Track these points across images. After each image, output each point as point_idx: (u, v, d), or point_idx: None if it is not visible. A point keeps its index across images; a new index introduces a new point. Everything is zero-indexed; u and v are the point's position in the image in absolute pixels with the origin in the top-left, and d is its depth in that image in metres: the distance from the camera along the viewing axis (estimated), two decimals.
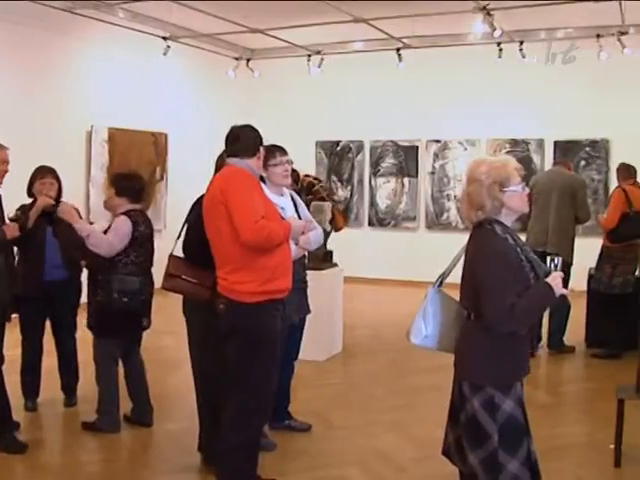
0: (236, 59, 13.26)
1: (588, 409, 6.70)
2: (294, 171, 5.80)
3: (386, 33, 11.51)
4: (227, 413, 4.34)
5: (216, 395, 4.61)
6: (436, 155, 13.34)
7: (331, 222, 7.15)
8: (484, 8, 9.67)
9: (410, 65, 12.04)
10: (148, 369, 5.91)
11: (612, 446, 5.09)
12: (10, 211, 5.56)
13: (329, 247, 7.90)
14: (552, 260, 3.37)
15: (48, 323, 6.15)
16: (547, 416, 6.15)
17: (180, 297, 4.93)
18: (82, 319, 5.79)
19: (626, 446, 5.09)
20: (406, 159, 13.53)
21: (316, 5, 9.72)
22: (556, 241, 7.83)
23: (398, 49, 12.00)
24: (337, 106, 13.67)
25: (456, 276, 3.52)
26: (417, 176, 13.48)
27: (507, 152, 12.19)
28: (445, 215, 13.30)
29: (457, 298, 3.53)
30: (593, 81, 11.83)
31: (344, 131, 13.82)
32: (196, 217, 4.61)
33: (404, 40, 11.94)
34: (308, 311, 5.67)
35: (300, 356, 5.90)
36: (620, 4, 9.53)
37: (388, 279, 13.12)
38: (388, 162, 13.70)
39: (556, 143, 12.37)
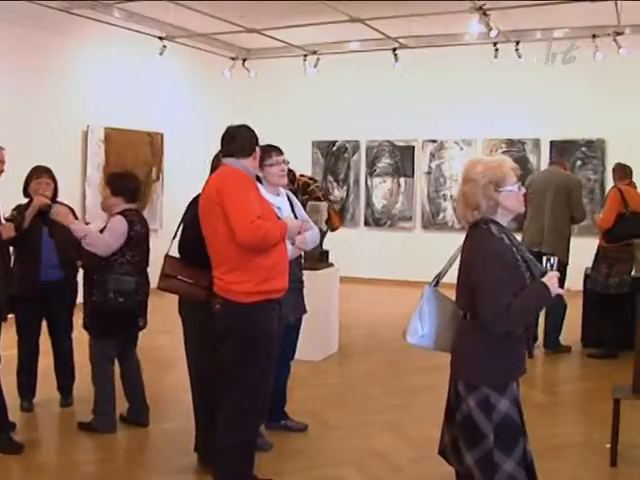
0: (232, 59, 13.26)
1: (584, 409, 6.71)
2: (290, 171, 5.79)
3: (382, 33, 11.52)
4: (223, 413, 4.34)
5: (212, 395, 4.61)
6: (432, 155, 13.35)
7: (327, 222, 7.15)
8: (480, 8, 9.67)
9: (406, 65, 12.04)
10: (144, 369, 5.91)
11: (608, 446, 5.10)
12: (6, 211, 5.56)
13: (325, 247, 7.90)
14: (548, 260, 3.37)
15: (44, 323, 6.14)
16: (543, 416, 6.16)
17: (176, 297, 4.93)
18: (78, 319, 5.78)
19: (622, 446, 5.10)
20: (402, 159, 13.54)
21: (312, 5, 9.72)
22: (551, 241, 7.84)
23: (394, 49, 12.01)
24: (333, 106, 13.67)
25: (452, 276, 3.52)
26: (413, 176, 13.49)
27: (503, 152, 12.23)
28: (441, 215, 13.31)
29: (453, 298, 3.53)
30: (589, 81, 11.84)
31: (340, 131, 13.82)
32: (192, 217, 4.61)
33: (400, 40, 11.95)
34: (304, 311, 5.67)
35: (296, 356, 5.91)
36: (616, 4, 9.54)
37: (384, 279, 13.12)
38: (384, 162, 13.71)
39: (552, 143, 12.39)
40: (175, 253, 4.80)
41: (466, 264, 3.36)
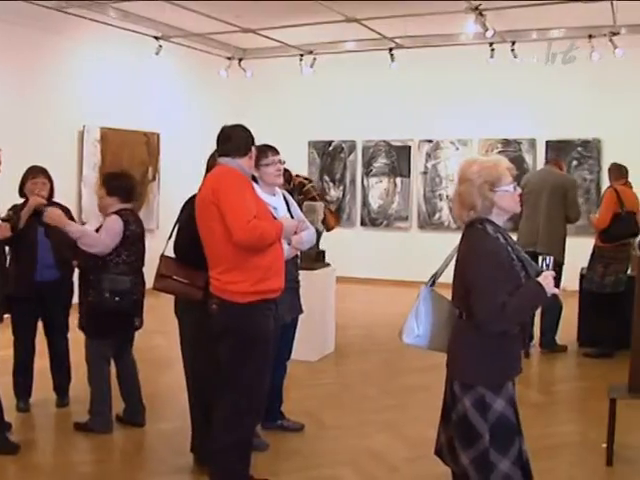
0: (228, 59, 13.25)
1: (580, 408, 6.72)
2: (286, 171, 5.80)
3: (378, 33, 11.52)
4: (219, 413, 4.34)
5: (208, 395, 4.61)
6: (428, 155, 13.35)
7: (323, 222, 7.16)
8: (476, 8, 9.68)
9: (402, 65, 12.05)
10: (140, 369, 5.90)
11: (604, 445, 5.11)
12: (2, 211, 5.55)
13: (321, 247, 7.90)
14: (544, 259, 3.37)
15: (40, 323, 6.14)
16: (539, 415, 6.17)
17: (172, 297, 4.93)
18: (74, 319, 5.77)
19: (618, 445, 5.10)
20: (398, 159, 13.55)
21: (308, 5, 9.72)
22: (546, 241, 7.84)
23: (390, 49, 12.01)
24: (329, 106, 13.68)
25: (448, 276, 3.52)
26: (409, 176, 13.49)
27: (499, 152, 12.23)
28: (437, 215, 13.32)
29: (449, 298, 3.54)
30: (585, 81, 11.86)
31: (336, 131, 13.83)
32: (187, 217, 4.61)
33: (396, 40, 11.96)
34: (300, 311, 5.67)
35: (292, 356, 5.90)
36: (612, 4, 9.56)
37: (380, 279, 13.13)
38: (380, 162, 13.71)
39: (548, 143, 12.40)
40: (170, 253, 4.80)
41: (462, 264, 3.36)
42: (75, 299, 5.93)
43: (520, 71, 11.88)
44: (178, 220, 4.85)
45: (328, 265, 8.08)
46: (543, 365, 8.03)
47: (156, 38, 11.55)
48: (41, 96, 10.11)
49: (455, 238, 3.52)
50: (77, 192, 10.64)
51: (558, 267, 7.19)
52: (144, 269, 5.61)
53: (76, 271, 5.85)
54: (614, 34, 10.77)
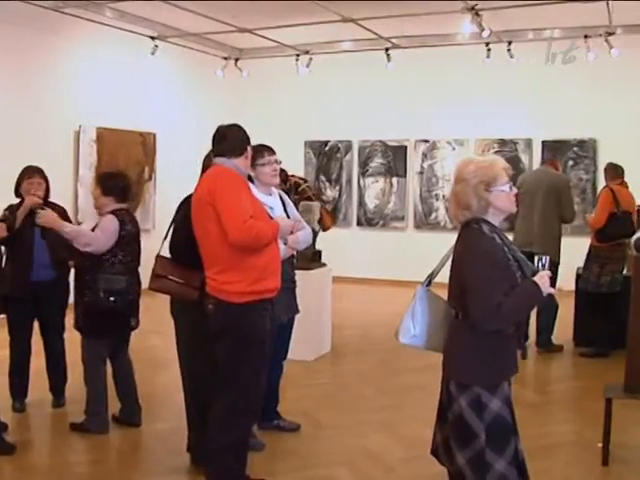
0: (224, 59, 13.25)
1: (576, 408, 6.73)
2: (282, 171, 5.80)
3: (375, 33, 11.52)
4: (216, 413, 4.34)
5: (204, 395, 4.60)
6: (424, 155, 13.36)
7: (319, 222, 7.15)
8: (472, 8, 9.68)
9: (399, 65, 12.05)
10: (136, 369, 5.90)
11: (600, 445, 5.11)
12: None
13: (318, 247, 7.91)
14: (539, 259, 3.37)
15: (36, 324, 6.13)
16: (535, 415, 6.18)
17: (168, 297, 4.93)
18: (70, 320, 5.77)
19: (614, 445, 5.11)
20: (394, 159, 13.55)
21: (305, 5, 9.72)
22: (541, 241, 7.84)
23: (387, 49, 12.01)
24: (325, 106, 13.68)
25: (445, 276, 3.53)
26: (405, 176, 13.50)
27: (495, 152, 12.25)
28: (433, 215, 13.33)
29: (445, 297, 3.54)
30: (581, 81, 11.87)
31: (332, 131, 13.83)
32: (183, 217, 4.61)
33: (393, 40, 11.96)
34: (297, 311, 5.67)
35: (289, 356, 5.91)
36: (607, 4, 9.57)
37: (377, 279, 13.14)
38: (376, 162, 13.72)
39: (544, 143, 12.41)
40: (166, 253, 4.80)
41: (458, 264, 3.36)
42: (71, 299, 5.93)
43: (516, 71, 11.89)
44: (174, 220, 4.85)
45: (324, 265, 8.08)
46: (539, 365, 8.04)
47: (152, 38, 11.54)
48: (37, 96, 10.10)
49: (451, 238, 3.52)
50: (73, 192, 10.63)
51: (554, 267, 7.19)
52: (140, 269, 5.60)
53: (72, 271, 5.85)
54: (610, 34, 10.78)
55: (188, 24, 11.62)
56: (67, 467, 5.07)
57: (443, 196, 13.00)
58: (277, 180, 5.19)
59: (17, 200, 5.86)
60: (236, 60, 13.32)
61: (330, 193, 14.00)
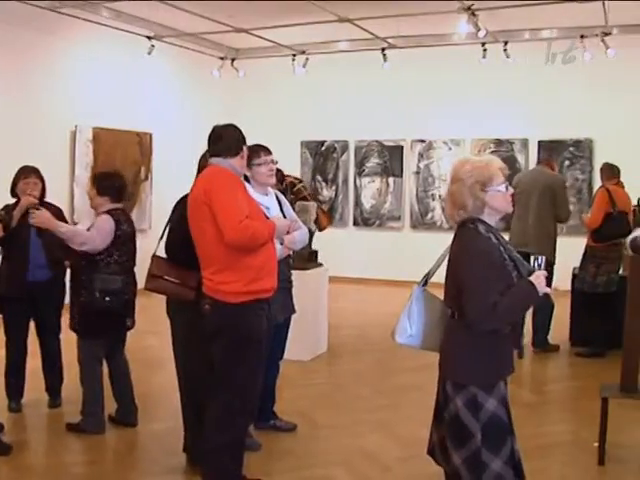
0: (221, 59, 13.24)
1: (572, 408, 6.73)
2: (278, 171, 5.80)
3: (371, 33, 11.53)
4: (212, 413, 4.34)
5: (200, 395, 4.60)
6: (421, 155, 13.37)
7: (315, 222, 7.16)
8: (469, 8, 9.69)
9: (395, 65, 12.06)
10: (133, 369, 5.89)
11: (596, 444, 5.12)
12: None
13: (314, 247, 7.91)
14: (535, 259, 3.38)
15: (32, 324, 6.12)
16: (531, 415, 6.18)
17: (164, 297, 4.92)
18: (66, 320, 5.76)
19: (610, 444, 5.12)
20: (391, 159, 13.56)
21: (301, 5, 9.72)
22: (536, 241, 7.83)
23: (383, 49, 12.02)
24: (322, 106, 13.68)
25: (441, 275, 3.53)
26: (402, 176, 13.51)
27: (491, 152, 12.25)
28: (430, 215, 13.33)
29: (442, 297, 3.54)
30: (577, 82, 11.88)
31: (329, 131, 13.83)
32: (178, 217, 4.61)
33: (389, 40, 11.96)
34: (293, 311, 5.67)
35: (285, 356, 5.90)
36: (603, 4, 9.58)
37: (373, 279, 13.14)
38: (373, 162, 13.72)
39: (540, 143, 12.42)
40: (162, 253, 4.79)
41: (454, 263, 3.37)
42: (66, 299, 5.92)
43: (512, 71, 11.91)
44: (169, 220, 4.84)
45: (321, 265, 8.08)
46: (535, 364, 8.05)
47: (149, 38, 11.53)
48: (33, 96, 10.09)
49: (447, 238, 3.52)
50: (69, 192, 10.62)
51: (549, 267, 7.20)
52: (136, 269, 5.60)
53: (68, 271, 5.84)
54: (606, 34, 10.79)
55: (184, 24, 11.61)
56: (63, 467, 5.06)
57: (439, 196, 13.01)
58: (273, 180, 5.19)
59: (13, 200, 5.86)
60: (232, 60, 13.32)
61: (326, 193, 14.00)
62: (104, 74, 11.23)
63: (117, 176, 5.85)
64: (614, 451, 5.18)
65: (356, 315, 10.61)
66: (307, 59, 12.64)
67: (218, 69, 12.96)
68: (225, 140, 4.36)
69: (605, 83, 11.77)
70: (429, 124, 13.05)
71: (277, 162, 5.18)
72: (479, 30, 10.21)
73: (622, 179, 8.15)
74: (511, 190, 3.41)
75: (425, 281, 3.69)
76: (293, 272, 5.72)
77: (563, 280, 8.15)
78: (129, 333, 5.80)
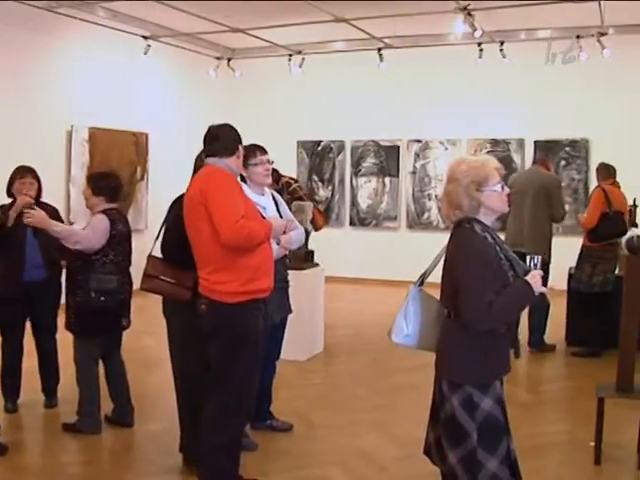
0: (217, 59, 13.24)
1: (568, 407, 6.74)
2: (274, 171, 5.80)
3: (367, 33, 11.53)
4: (208, 413, 4.33)
5: (196, 395, 4.60)
6: (417, 155, 13.37)
7: (311, 222, 7.15)
8: (465, 8, 9.69)
9: (391, 65, 12.05)
10: (129, 369, 5.89)
11: (592, 444, 5.13)
12: None
13: (310, 247, 7.91)
14: (531, 259, 3.38)
15: (28, 324, 6.11)
16: (527, 414, 6.19)
17: (160, 297, 4.92)
18: (62, 320, 5.75)
19: (606, 444, 5.12)
20: (387, 159, 13.56)
21: (297, 5, 9.72)
22: (532, 241, 7.83)
23: (379, 49, 12.01)
24: (318, 106, 13.68)
25: (437, 275, 3.53)
26: (398, 176, 13.51)
27: (488, 152, 12.28)
28: (426, 215, 13.34)
29: (438, 297, 3.54)
30: (573, 82, 11.89)
31: (325, 131, 13.83)
32: (174, 217, 4.61)
33: (385, 40, 11.97)
34: (289, 311, 5.67)
35: (281, 356, 5.90)
36: (599, 5, 9.59)
37: (369, 279, 13.14)
38: (369, 162, 13.72)
39: (536, 143, 12.42)
40: (158, 253, 4.79)
41: (450, 263, 3.37)
42: (62, 299, 5.91)
43: (509, 71, 11.91)
44: (165, 221, 4.84)
45: (317, 265, 8.08)
46: (531, 364, 8.05)
47: (145, 38, 11.52)
48: (30, 96, 10.08)
49: (444, 238, 3.52)
50: (65, 192, 10.61)
51: (545, 266, 7.20)
52: (132, 269, 5.60)
53: (64, 271, 5.84)
54: (602, 34, 10.80)
55: (181, 24, 11.60)
56: (59, 468, 5.06)
57: (435, 196, 13.02)
58: (269, 180, 5.19)
59: (9, 200, 5.85)
60: (229, 60, 13.31)
61: (323, 193, 14.00)
62: (100, 74, 11.22)
63: (113, 176, 5.84)
64: (610, 451, 5.19)
65: (352, 315, 10.62)
66: (303, 59, 12.64)
67: (214, 69, 12.96)
68: (221, 140, 4.36)
69: (601, 83, 11.79)
70: (425, 124, 13.06)
71: (273, 162, 5.18)
72: (475, 30, 10.21)
73: (618, 179, 8.16)
74: (507, 190, 3.42)
75: (421, 281, 3.70)
76: (289, 272, 5.72)
77: (559, 280, 8.16)
78: (125, 333, 5.80)
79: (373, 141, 13.61)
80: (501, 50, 11.40)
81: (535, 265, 3.36)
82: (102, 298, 5.34)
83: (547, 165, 8.63)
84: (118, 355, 5.82)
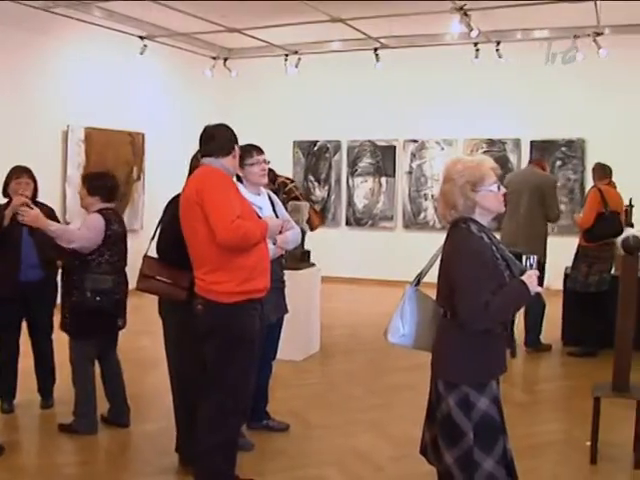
0: (213, 58, 13.23)
1: (564, 407, 6.74)
2: (271, 171, 5.80)
3: (363, 33, 11.53)
4: (204, 413, 4.33)
5: (192, 395, 4.59)
6: (413, 155, 13.37)
7: (307, 221, 7.16)
8: (461, 8, 9.69)
9: (387, 65, 12.06)
10: (125, 369, 5.88)
11: (588, 443, 5.14)
12: None
13: (307, 247, 7.91)
14: (527, 258, 3.39)
15: (24, 324, 6.10)
16: (523, 414, 6.19)
17: (157, 298, 4.91)
18: (58, 320, 5.75)
19: (602, 443, 5.13)
20: (383, 159, 13.56)
21: (294, 5, 9.72)
22: (526, 240, 7.82)
23: (375, 49, 12.02)
24: (314, 106, 13.68)
25: (433, 275, 3.53)
26: (394, 176, 13.51)
27: (484, 152, 12.28)
28: (422, 214, 13.34)
29: (434, 297, 3.54)
30: (570, 82, 11.90)
31: (321, 131, 13.83)
32: (170, 217, 4.60)
33: (381, 40, 11.97)
34: (286, 311, 5.67)
35: (278, 356, 5.90)
36: (595, 5, 9.60)
37: (365, 279, 13.14)
38: (365, 162, 13.73)
39: (532, 143, 12.44)
40: (154, 254, 4.78)
41: (446, 263, 3.37)
42: (58, 300, 5.90)
43: (505, 71, 11.93)
44: (161, 221, 4.83)
45: (313, 265, 8.07)
46: (527, 364, 8.06)
47: (141, 37, 11.51)
48: (26, 96, 10.06)
49: (440, 238, 3.53)
50: (61, 192, 10.59)
51: (540, 266, 7.22)
52: (128, 269, 5.59)
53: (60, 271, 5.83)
54: (598, 34, 10.82)
55: (177, 24, 11.59)
56: (55, 468, 5.05)
57: (432, 196, 13.02)
58: (265, 180, 5.19)
59: (5, 200, 5.84)
60: (225, 60, 13.31)
61: (319, 193, 14.00)
62: (96, 74, 11.21)
63: (108, 176, 5.83)
64: (606, 450, 5.20)
65: (348, 315, 10.61)
66: (299, 59, 12.64)
67: (210, 69, 12.95)
68: (217, 140, 4.36)
69: (597, 83, 11.80)
70: (421, 124, 13.06)
71: (270, 162, 5.18)
72: (471, 30, 10.22)
73: (614, 179, 8.17)
74: (503, 190, 3.42)
75: (418, 281, 3.69)
76: (286, 272, 5.72)
77: (555, 280, 8.17)
78: (121, 333, 5.79)
79: (369, 141, 13.62)
80: (497, 50, 11.42)
81: (531, 265, 3.36)
82: (98, 298, 5.33)
83: (542, 165, 8.64)
84: (114, 355, 5.82)
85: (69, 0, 9.94)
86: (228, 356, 4.26)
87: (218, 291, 4.21)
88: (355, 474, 4.97)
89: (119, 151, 11.66)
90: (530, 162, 8.99)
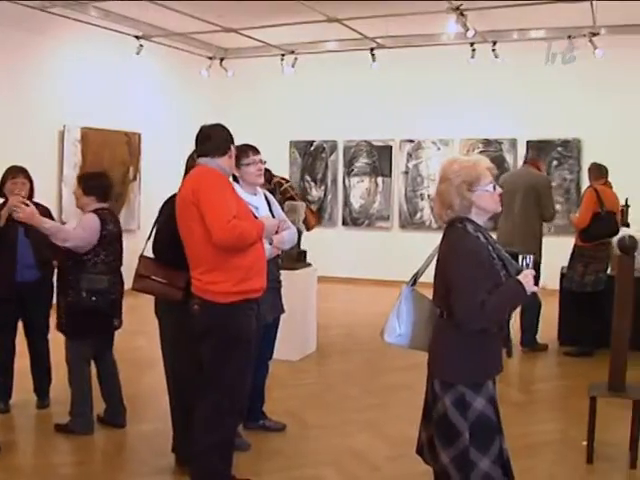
0: (210, 58, 13.23)
1: (561, 407, 6.75)
2: (267, 170, 5.80)
3: (360, 33, 11.53)
4: (200, 413, 4.33)
5: (189, 395, 4.59)
6: (409, 155, 13.38)
7: (303, 221, 7.16)
8: (457, 8, 9.70)
9: (384, 65, 12.06)
10: (121, 369, 5.88)
11: (584, 443, 5.14)
12: None
13: (303, 247, 7.91)
14: (524, 258, 3.39)
15: (20, 324, 6.09)
16: (520, 414, 6.20)
17: (152, 297, 4.91)
18: (54, 320, 5.74)
19: (598, 443, 5.14)
20: (380, 159, 13.57)
21: (290, 5, 9.72)
22: (521, 240, 7.82)
23: (372, 49, 12.02)
24: (311, 106, 13.68)
25: (430, 275, 3.53)
26: (391, 176, 13.52)
27: (480, 152, 12.29)
28: (419, 214, 13.35)
29: (431, 297, 3.54)
30: (566, 82, 11.91)
31: (318, 131, 13.83)
32: (166, 218, 4.60)
33: (378, 40, 11.98)
34: (282, 311, 5.67)
35: (274, 356, 5.90)
36: (591, 5, 9.61)
37: (362, 278, 13.14)
38: (362, 162, 13.73)
39: (529, 143, 12.44)
40: (149, 254, 4.78)
41: (442, 263, 3.37)
42: (53, 300, 5.90)
43: (501, 71, 11.93)
44: (157, 220, 4.83)
45: (309, 265, 8.07)
46: (524, 364, 8.07)
47: (137, 37, 11.51)
48: (22, 96, 10.05)
49: (436, 238, 3.53)
50: (57, 192, 10.59)
51: (536, 266, 7.21)
52: (124, 269, 5.58)
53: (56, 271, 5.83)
54: (594, 35, 10.83)
55: (173, 24, 11.59)
56: (51, 468, 5.05)
57: (428, 196, 13.03)
58: (262, 180, 5.19)
59: (1, 200, 5.83)
60: (221, 60, 13.31)
61: (315, 193, 14.00)
62: (93, 74, 11.20)
63: (103, 176, 5.83)
64: (602, 449, 5.21)
65: (345, 315, 10.62)
66: (296, 59, 12.64)
67: (207, 69, 12.95)
68: (213, 140, 4.35)
69: (593, 83, 11.81)
70: (418, 124, 13.07)
71: (266, 162, 5.18)
72: (468, 30, 10.23)
73: (610, 179, 8.18)
74: (499, 190, 3.42)
75: (414, 281, 3.70)
76: (282, 272, 5.71)
77: (551, 279, 8.18)
78: (117, 333, 5.79)
79: (366, 141, 13.62)
80: (494, 50, 11.42)
81: (527, 265, 3.36)
82: (93, 298, 5.33)
83: (538, 165, 8.64)
84: (110, 355, 5.81)
85: (65, 0, 9.93)
86: (224, 356, 4.26)
87: (214, 291, 4.20)
88: (351, 474, 4.98)
89: (115, 151, 11.66)
90: (525, 162, 8.99)
